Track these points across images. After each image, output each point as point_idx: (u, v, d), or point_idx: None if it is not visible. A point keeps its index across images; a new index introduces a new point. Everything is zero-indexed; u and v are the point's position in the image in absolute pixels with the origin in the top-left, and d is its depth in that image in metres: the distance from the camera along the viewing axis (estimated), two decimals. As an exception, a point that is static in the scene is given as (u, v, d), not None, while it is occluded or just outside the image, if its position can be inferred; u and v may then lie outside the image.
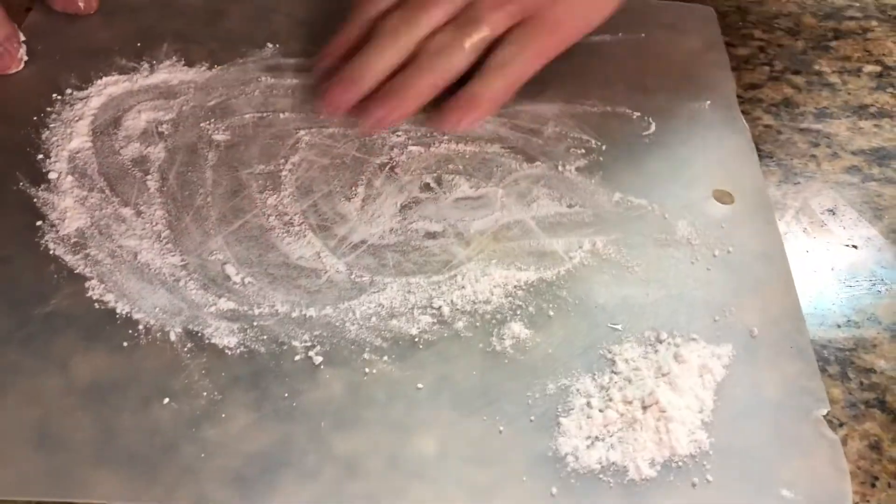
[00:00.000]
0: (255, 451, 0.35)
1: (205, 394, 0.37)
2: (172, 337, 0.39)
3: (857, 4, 0.58)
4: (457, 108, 0.47)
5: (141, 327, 0.39)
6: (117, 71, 0.52)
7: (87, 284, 0.41)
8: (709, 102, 0.50)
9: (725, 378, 0.38)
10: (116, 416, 0.36)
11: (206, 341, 0.39)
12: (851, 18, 0.57)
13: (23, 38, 0.53)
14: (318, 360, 0.38)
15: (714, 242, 0.43)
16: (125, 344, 0.39)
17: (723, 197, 0.45)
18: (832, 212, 0.45)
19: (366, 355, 0.39)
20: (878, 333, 0.40)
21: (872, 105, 0.51)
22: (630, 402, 0.37)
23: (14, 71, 0.52)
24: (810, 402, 0.37)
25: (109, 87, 0.51)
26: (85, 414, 0.36)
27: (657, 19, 0.56)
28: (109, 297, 0.41)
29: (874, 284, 0.42)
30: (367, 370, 0.38)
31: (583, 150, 0.48)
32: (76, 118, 0.50)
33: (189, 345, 0.39)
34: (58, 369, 0.38)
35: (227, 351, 0.39)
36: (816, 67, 0.53)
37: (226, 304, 0.41)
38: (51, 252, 0.42)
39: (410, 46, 0.46)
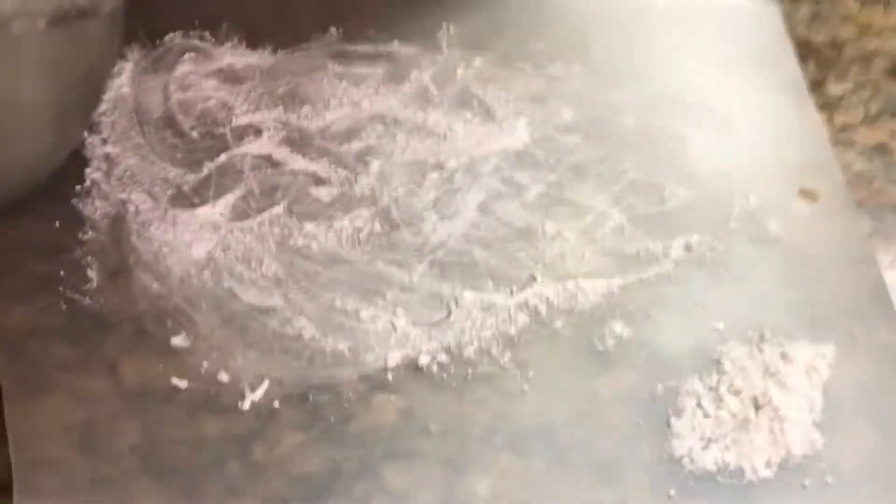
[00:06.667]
0: (303, 474, 0.34)
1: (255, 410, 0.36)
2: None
3: (965, 46, 0.53)
4: None
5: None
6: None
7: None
8: (783, 98, 0.50)
9: (830, 378, 0.38)
10: (162, 426, 0.35)
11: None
12: (958, 61, 0.53)
13: None
14: (425, 359, 0.38)
15: (805, 241, 0.43)
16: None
17: (809, 195, 0.45)
18: None
19: (468, 356, 0.38)
20: None
21: None
22: (741, 403, 0.36)
23: None
24: (917, 403, 0.37)
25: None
26: (131, 420, 0.35)
27: (721, 10, 0.55)
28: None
29: None
30: (469, 371, 0.38)
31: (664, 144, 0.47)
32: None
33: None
34: (106, 370, 0.36)
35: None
36: None
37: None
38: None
39: None
